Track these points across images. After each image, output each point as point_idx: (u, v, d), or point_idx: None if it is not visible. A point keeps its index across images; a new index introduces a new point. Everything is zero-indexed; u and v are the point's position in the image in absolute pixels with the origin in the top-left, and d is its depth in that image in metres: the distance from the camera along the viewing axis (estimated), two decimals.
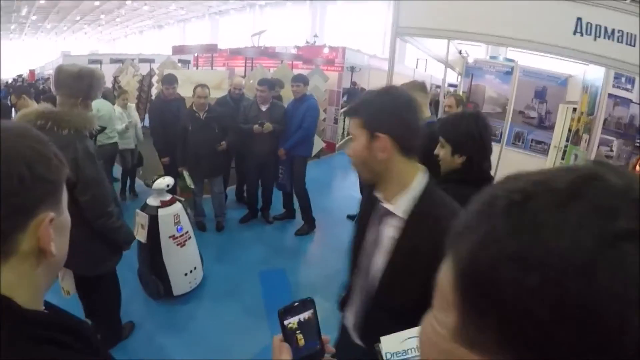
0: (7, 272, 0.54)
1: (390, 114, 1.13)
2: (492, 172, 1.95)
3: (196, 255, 3.52)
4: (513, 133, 5.98)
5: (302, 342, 0.79)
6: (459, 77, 6.68)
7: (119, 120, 5.18)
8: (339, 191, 6.33)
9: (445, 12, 3.12)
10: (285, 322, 0.79)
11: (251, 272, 3.85)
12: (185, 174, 4.32)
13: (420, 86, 2.65)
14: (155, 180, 3.23)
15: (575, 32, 2.85)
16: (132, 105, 5.55)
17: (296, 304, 0.80)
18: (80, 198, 2.05)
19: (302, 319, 0.80)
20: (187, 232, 3.35)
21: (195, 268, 3.45)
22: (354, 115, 1.18)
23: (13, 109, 4.47)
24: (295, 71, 8.85)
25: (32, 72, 20.94)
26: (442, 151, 1.75)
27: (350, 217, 4.99)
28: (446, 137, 1.74)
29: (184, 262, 3.35)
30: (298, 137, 4.46)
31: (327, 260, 4.10)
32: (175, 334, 3.02)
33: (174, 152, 4.53)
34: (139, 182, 5.82)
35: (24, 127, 0.60)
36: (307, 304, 0.81)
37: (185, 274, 3.36)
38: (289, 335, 0.79)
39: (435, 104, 7.51)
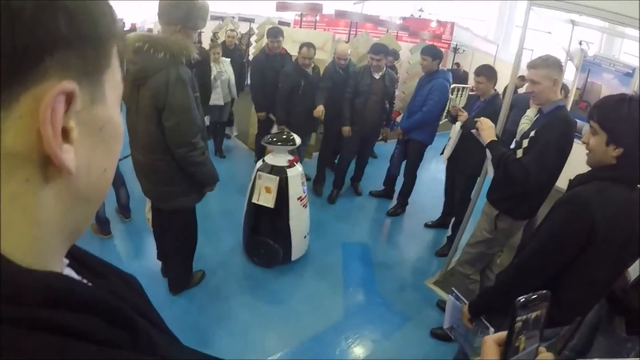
0: None
1: None
2: None
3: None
4: None
5: (522, 346, 0.62)
6: (575, 71, 5.83)
7: None
8: (427, 173, 5.68)
9: None
10: (518, 319, 0.60)
11: (333, 243, 3.64)
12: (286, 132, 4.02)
13: (557, 63, 2.05)
14: (284, 139, 2.95)
15: None
16: (226, 60, 5.17)
17: (535, 296, 0.61)
18: (165, 123, 2.04)
19: (531, 317, 0.61)
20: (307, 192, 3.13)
21: (309, 230, 3.24)
22: None
23: None
24: (400, 43, 8.13)
25: (133, 24, 22.46)
26: (593, 140, 1.41)
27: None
28: (601, 122, 1.39)
29: (305, 224, 3.13)
30: (416, 120, 3.93)
31: (412, 243, 3.95)
32: (245, 291, 2.88)
33: (271, 108, 4.36)
34: (226, 143, 5.67)
35: None
36: (545, 298, 0.62)
37: (305, 237, 3.15)
38: (512, 336, 0.60)
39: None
